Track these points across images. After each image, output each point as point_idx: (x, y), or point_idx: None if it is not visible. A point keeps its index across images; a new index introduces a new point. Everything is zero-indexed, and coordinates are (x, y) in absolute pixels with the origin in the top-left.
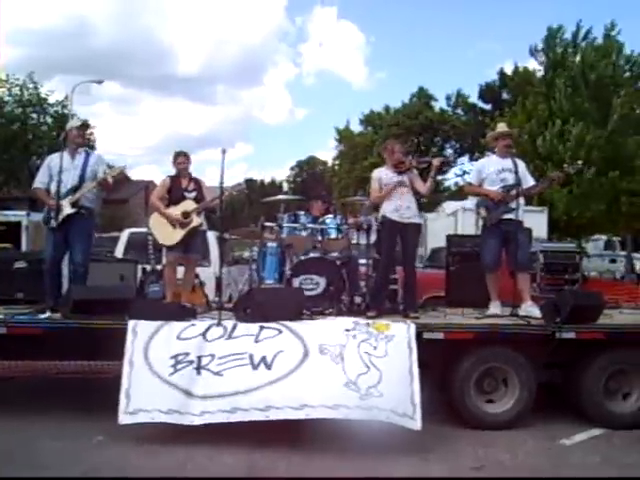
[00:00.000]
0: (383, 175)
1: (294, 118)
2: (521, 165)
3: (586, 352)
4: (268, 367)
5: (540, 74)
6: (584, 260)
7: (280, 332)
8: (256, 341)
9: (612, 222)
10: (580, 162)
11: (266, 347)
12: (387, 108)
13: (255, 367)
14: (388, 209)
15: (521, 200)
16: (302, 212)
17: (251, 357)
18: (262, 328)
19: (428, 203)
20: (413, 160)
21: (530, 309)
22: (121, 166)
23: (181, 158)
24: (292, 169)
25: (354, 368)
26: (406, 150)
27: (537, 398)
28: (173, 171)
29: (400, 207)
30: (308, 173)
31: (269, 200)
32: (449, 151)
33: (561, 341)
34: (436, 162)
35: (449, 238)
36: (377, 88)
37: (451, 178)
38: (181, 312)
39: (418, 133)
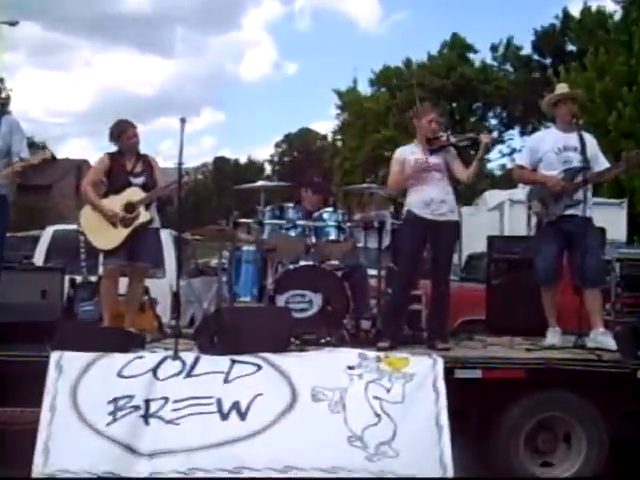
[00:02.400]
0: (409, 155)
1: (281, 75)
2: (591, 141)
3: None
4: (242, 417)
5: (618, 16)
6: None
7: (259, 369)
8: (226, 381)
9: None
10: None
11: (240, 389)
12: (408, 62)
13: (224, 416)
14: (415, 201)
15: (589, 190)
16: (290, 204)
17: (219, 403)
18: (234, 363)
19: (463, 192)
20: (452, 136)
21: (602, 338)
22: (44, 152)
23: (127, 130)
24: (278, 145)
25: (360, 418)
26: (445, 120)
27: (611, 460)
28: (114, 147)
29: (432, 199)
30: (300, 151)
31: (245, 188)
32: (493, 121)
33: None
34: (485, 139)
35: (491, 240)
36: (395, 34)
37: (495, 159)
38: (124, 340)
39: (451, 97)
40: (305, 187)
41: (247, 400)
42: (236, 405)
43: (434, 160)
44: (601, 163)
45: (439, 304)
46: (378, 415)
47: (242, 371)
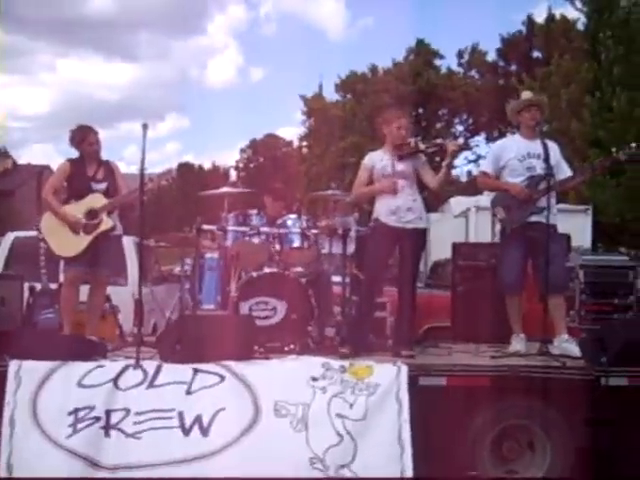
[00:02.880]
0: (378, 162)
1: (247, 81)
2: (554, 149)
3: None
4: (204, 432)
5: (582, 24)
6: None
7: (222, 379)
8: (189, 392)
9: None
10: (634, 145)
11: (202, 402)
12: (374, 68)
13: (186, 431)
14: (383, 210)
15: (553, 197)
16: (254, 211)
17: (181, 416)
18: (197, 373)
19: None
20: (420, 142)
21: (566, 345)
22: (5, 161)
23: (88, 135)
24: (243, 151)
25: (322, 438)
26: (413, 127)
27: (576, 468)
28: (75, 153)
29: (399, 207)
30: (266, 157)
31: (208, 194)
32: (459, 128)
33: (609, 389)
34: (452, 146)
35: (456, 247)
36: (361, 40)
37: (461, 165)
38: (84, 349)
39: (417, 103)
40: (267, 194)
41: (209, 414)
42: (198, 419)
43: (402, 167)
44: (564, 171)
45: (404, 311)
46: (340, 435)
47: (205, 382)
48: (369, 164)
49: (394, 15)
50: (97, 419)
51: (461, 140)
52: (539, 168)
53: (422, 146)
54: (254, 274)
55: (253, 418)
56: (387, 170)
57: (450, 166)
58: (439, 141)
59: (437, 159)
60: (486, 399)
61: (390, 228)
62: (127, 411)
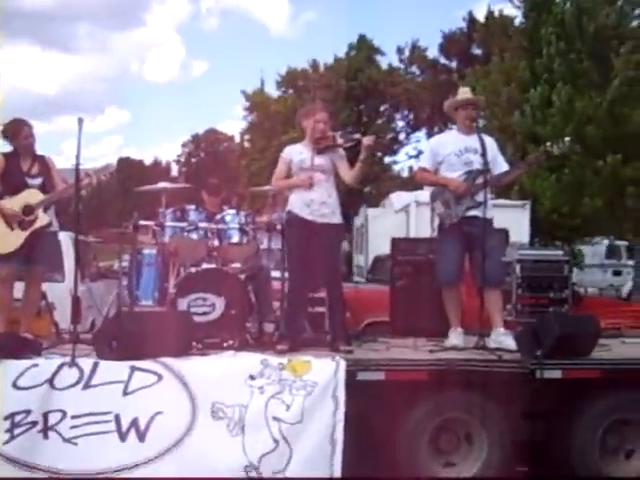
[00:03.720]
0: (295, 155)
1: (188, 75)
2: (491, 144)
3: (576, 397)
4: (141, 437)
5: (520, 21)
6: (579, 272)
7: (159, 378)
8: (125, 393)
9: (616, 221)
10: (568, 139)
11: (139, 404)
12: (315, 64)
13: (123, 436)
14: (297, 203)
15: (490, 192)
16: (192, 207)
17: (117, 419)
18: (134, 370)
19: (371, 195)
20: (338, 136)
21: (502, 339)
22: None
23: (22, 129)
24: (185, 146)
25: (258, 444)
26: (333, 120)
27: (512, 460)
28: (9, 147)
29: (313, 200)
30: (207, 152)
31: (146, 190)
32: (400, 124)
33: (543, 382)
34: (367, 141)
35: (395, 242)
36: (303, 36)
37: (403, 160)
38: (19, 347)
39: (358, 99)
40: (205, 189)
41: (147, 417)
42: (135, 423)
43: (319, 161)
44: (501, 165)
45: (334, 307)
46: (276, 441)
47: (142, 382)
48: (287, 157)
49: (336, 10)
50: (34, 424)
51: (382, 137)
52: (476, 163)
53: (340, 140)
54: (192, 270)
55: (190, 421)
56: (305, 164)
57: (366, 161)
58: (357, 136)
59: (360, 155)
60: (424, 393)
61: (303, 221)
62: (64, 413)
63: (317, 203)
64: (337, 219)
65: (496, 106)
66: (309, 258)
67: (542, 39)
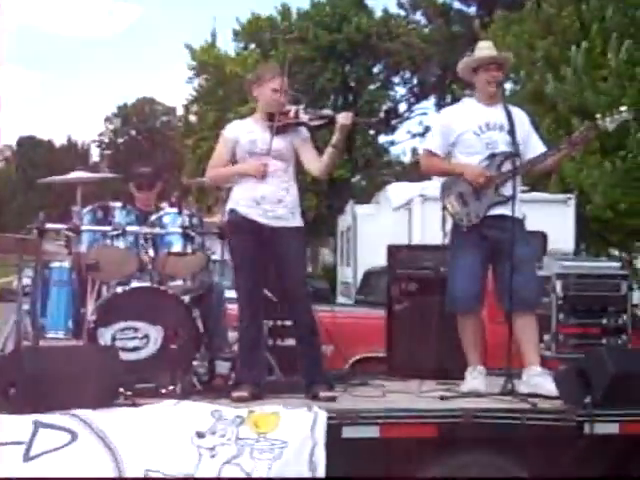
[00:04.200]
0: (244, 134)
1: (116, 25)
2: (521, 118)
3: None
4: None
5: None
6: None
7: (73, 438)
8: (27, 458)
9: None
10: (625, 109)
11: (46, 472)
12: (286, 10)
13: None
14: (243, 198)
15: (520, 183)
16: (118, 204)
17: None
18: (38, 427)
19: (361, 187)
20: (302, 111)
21: (538, 381)
22: None
23: None
24: (109, 121)
25: None
26: (295, 88)
27: None
28: None
29: (265, 198)
30: (140, 129)
31: (55, 181)
32: (400, 90)
33: (594, 440)
34: (343, 119)
35: (393, 251)
36: None
37: (403, 140)
38: None
39: (344, 57)
40: (134, 180)
41: None
42: None
43: (275, 144)
44: (535, 147)
45: (305, 339)
46: None
47: (50, 442)
48: (231, 136)
49: None
50: None
51: (369, 120)
52: (502, 143)
53: (304, 117)
54: (119, 290)
55: None
56: (256, 146)
57: (340, 147)
58: (327, 112)
59: (332, 138)
60: (433, 454)
61: (253, 223)
62: None
63: (271, 201)
64: (297, 221)
65: (531, 65)
66: (262, 273)
67: None
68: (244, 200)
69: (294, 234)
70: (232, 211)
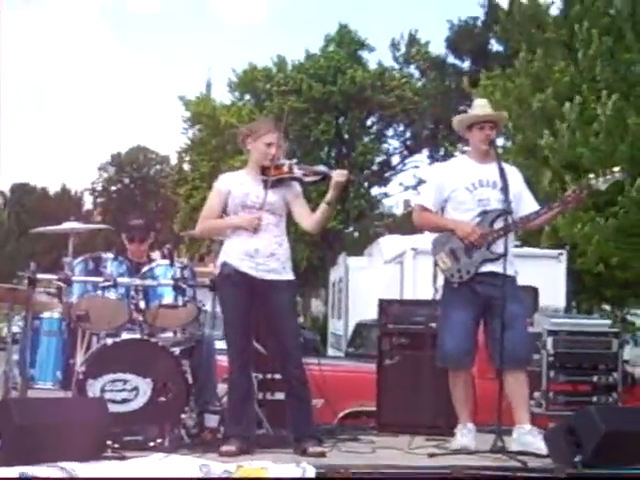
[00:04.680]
0: (236, 187)
1: (111, 72)
2: (514, 175)
3: None
4: None
5: (557, 8)
6: (633, 347)
7: None
8: None
9: None
10: (618, 169)
11: None
12: (281, 62)
13: None
14: (235, 252)
15: (512, 240)
16: (110, 255)
17: None
18: None
19: (353, 239)
20: (296, 166)
21: (528, 439)
22: None
23: None
24: (103, 169)
25: None
26: (289, 139)
27: None
28: None
29: (258, 251)
30: (133, 178)
31: (48, 231)
32: (394, 142)
33: None
34: (338, 176)
35: (384, 305)
36: (265, 25)
37: (396, 193)
38: None
39: (338, 109)
40: (126, 231)
41: None
42: None
43: (269, 198)
44: (528, 204)
45: (295, 393)
46: None
47: None
48: (224, 188)
49: None
50: None
51: (356, 177)
52: (495, 201)
53: (298, 172)
54: (108, 341)
55: None
56: (248, 199)
57: (334, 203)
58: (322, 168)
59: (327, 196)
60: None
61: (245, 276)
62: None
63: (264, 255)
64: (288, 275)
65: (522, 119)
66: (252, 326)
67: (580, 35)
68: (237, 253)
69: (286, 287)
70: (224, 264)
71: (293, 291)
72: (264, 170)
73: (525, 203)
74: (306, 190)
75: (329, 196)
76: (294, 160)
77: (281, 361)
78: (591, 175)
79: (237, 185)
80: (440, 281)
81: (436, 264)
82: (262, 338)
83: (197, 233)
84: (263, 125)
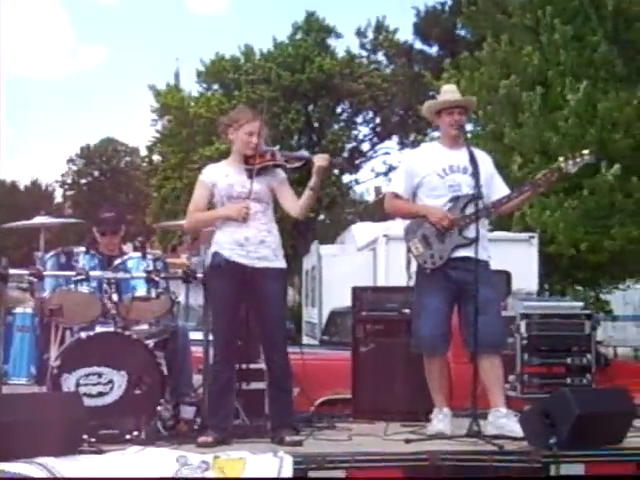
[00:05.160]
0: (221, 178)
1: (77, 65)
2: (484, 160)
3: None
4: None
5: None
6: (607, 328)
7: None
8: None
9: None
10: (587, 152)
11: None
12: (249, 51)
13: None
14: (226, 241)
15: (484, 224)
16: (82, 249)
17: None
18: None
19: (325, 226)
20: (278, 153)
21: (504, 422)
22: None
23: None
24: (72, 162)
25: None
26: (269, 131)
27: None
28: None
29: (248, 239)
30: (103, 170)
31: (17, 226)
32: (363, 129)
33: None
34: (320, 161)
35: (357, 293)
36: (233, 13)
37: (367, 180)
38: None
39: (307, 97)
40: (97, 224)
41: None
42: None
43: (255, 186)
44: (499, 188)
45: (278, 382)
46: None
47: None
48: (209, 181)
49: None
50: None
51: (339, 160)
52: (466, 186)
53: (281, 159)
54: (82, 335)
55: None
56: (233, 190)
57: (317, 188)
58: (304, 154)
59: (310, 181)
60: None
61: (236, 265)
62: None
63: (254, 243)
64: (280, 262)
65: (491, 105)
66: (240, 316)
67: (542, 22)
68: (227, 243)
69: (276, 275)
70: (215, 254)
71: (283, 280)
72: (247, 159)
73: (496, 187)
74: (289, 177)
75: (312, 181)
76: (276, 147)
77: (266, 350)
78: (561, 158)
79: (222, 177)
80: (413, 267)
81: (409, 250)
82: (251, 326)
83: (186, 227)
84: (243, 114)
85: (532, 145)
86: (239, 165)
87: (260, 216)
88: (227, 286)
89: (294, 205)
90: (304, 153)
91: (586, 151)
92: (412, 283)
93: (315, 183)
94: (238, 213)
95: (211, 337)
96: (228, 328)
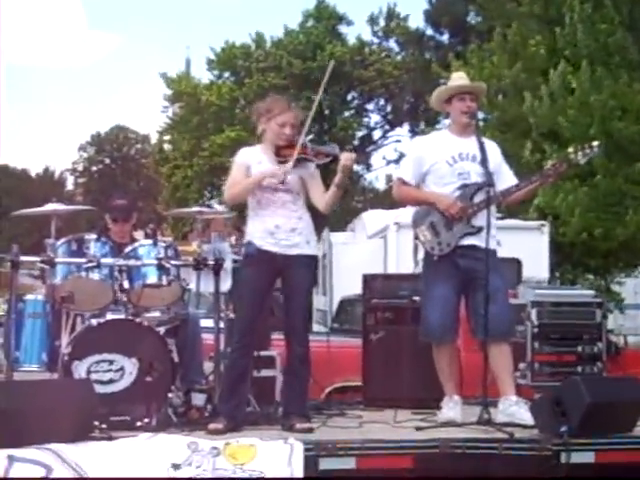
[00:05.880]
0: (254, 163)
1: (90, 55)
2: (494, 149)
3: None
4: None
5: None
6: (617, 317)
7: (48, 471)
8: None
9: None
10: (597, 144)
11: None
12: (259, 38)
13: None
14: (258, 230)
15: (493, 213)
16: (93, 236)
17: None
18: (13, 462)
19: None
20: (309, 146)
21: (514, 410)
22: None
23: None
24: (83, 149)
25: None
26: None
27: None
28: None
29: (279, 227)
30: (114, 158)
31: (28, 213)
32: (374, 117)
33: (571, 468)
34: (346, 160)
35: (368, 280)
36: (244, 1)
37: (378, 167)
38: None
39: (317, 85)
40: (108, 211)
41: None
42: None
43: (288, 175)
44: (506, 178)
45: (296, 369)
46: None
47: (24, 476)
48: (242, 162)
49: None
50: None
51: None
52: (475, 174)
53: (310, 153)
54: (93, 322)
55: None
56: (265, 180)
57: (342, 186)
58: (332, 150)
59: (336, 178)
60: None
61: (266, 254)
62: None
63: (285, 230)
64: (311, 249)
65: (498, 94)
66: (264, 300)
67: (562, 3)
68: (258, 232)
69: (307, 262)
70: (248, 243)
71: (313, 268)
72: (278, 150)
73: (504, 176)
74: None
75: (338, 178)
76: (308, 137)
77: (287, 336)
78: (570, 149)
79: (255, 163)
80: (421, 254)
81: (416, 237)
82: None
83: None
84: (277, 105)
85: (545, 124)
86: (271, 154)
87: (290, 205)
88: (257, 274)
89: (322, 199)
90: (334, 149)
91: (595, 143)
92: (419, 270)
93: (340, 180)
94: (273, 173)
95: (222, 325)
96: (252, 316)
